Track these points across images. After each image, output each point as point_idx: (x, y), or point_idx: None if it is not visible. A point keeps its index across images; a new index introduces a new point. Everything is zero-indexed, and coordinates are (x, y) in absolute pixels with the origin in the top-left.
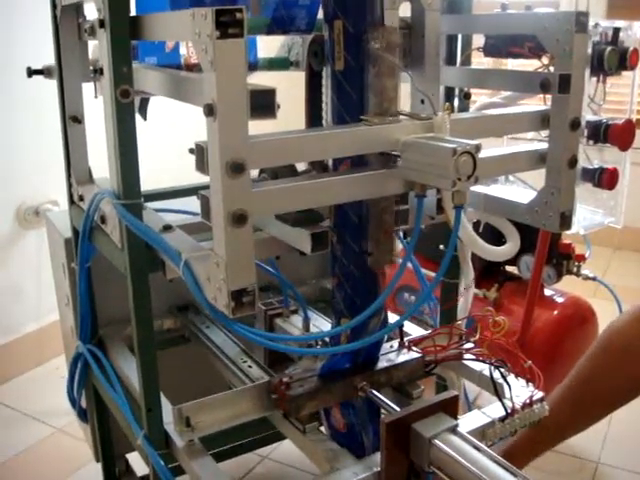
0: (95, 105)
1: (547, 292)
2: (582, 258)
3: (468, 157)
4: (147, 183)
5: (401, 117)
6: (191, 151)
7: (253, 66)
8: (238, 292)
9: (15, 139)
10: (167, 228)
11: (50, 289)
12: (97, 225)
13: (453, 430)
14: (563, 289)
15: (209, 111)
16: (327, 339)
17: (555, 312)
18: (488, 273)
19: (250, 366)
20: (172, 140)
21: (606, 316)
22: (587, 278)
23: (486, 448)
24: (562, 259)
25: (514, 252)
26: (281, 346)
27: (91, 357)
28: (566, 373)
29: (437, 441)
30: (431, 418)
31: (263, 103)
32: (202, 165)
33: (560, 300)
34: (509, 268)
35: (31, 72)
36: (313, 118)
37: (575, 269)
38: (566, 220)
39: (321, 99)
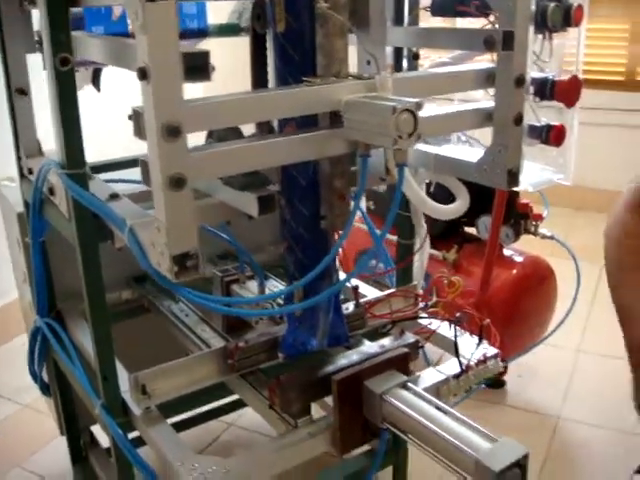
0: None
1: (506, 252)
2: (539, 217)
3: (409, 115)
4: (101, 154)
5: (344, 77)
6: (130, 117)
7: (203, 32)
8: (181, 256)
9: None
10: (114, 197)
11: (10, 266)
12: (47, 198)
13: (404, 386)
14: (523, 249)
15: (142, 75)
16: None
17: (514, 271)
18: (447, 235)
19: (208, 333)
20: (126, 111)
21: (565, 274)
22: (545, 237)
23: (437, 401)
24: (520, 218)
25: (463, 210)
26: (219, 307)
27: (49, 330)
28: (525, 331)
29: (388, 397)
30: (383, 375)
31: (197, 65)
32: (139, 130)
33: (519, 259)
34: (468, 230)
35: None
36: (259, 83)
37: (533, 228)
38: (514, 177)
39: (266, 63)
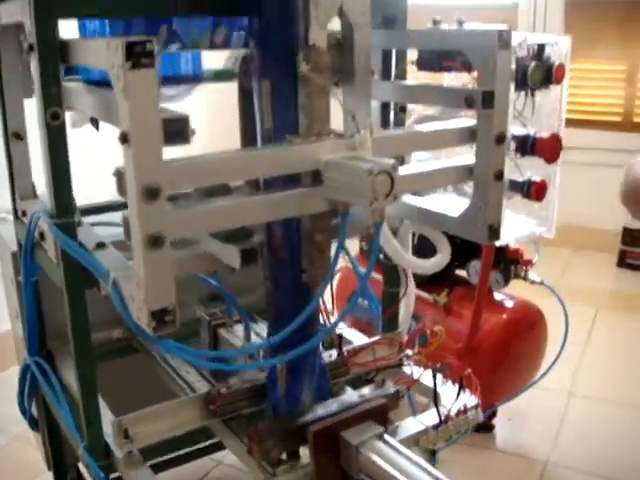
0: None
1: (497, 296)
2: (529, 263)
3: (385, 176)
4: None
5: (326, 136)
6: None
7: (198, 78)
8: (160, 312)
9: None
10: (100, 246)
11: (4, 299)
12: (38, 242)
13: (380, 437)
14: (517, 292)
15: (123, 139)
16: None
17: (504, 316)
18: (438, 278)
19: (192, 377)
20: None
21: (560, 316)
22: (534, 282)
23: (412, 454)
24: (510, 264)
25: (443, 264)
26: (201, 362)
27: (37, 370)
28: (515, 375)
29: (364, 448)
30: (359, 426)
31: (176, 130)
32: (122, 188)
33: (509, 304)
34: (460, 273)
35: None
36: (247, 136)
37: (523, 273)
38: (494, 232)
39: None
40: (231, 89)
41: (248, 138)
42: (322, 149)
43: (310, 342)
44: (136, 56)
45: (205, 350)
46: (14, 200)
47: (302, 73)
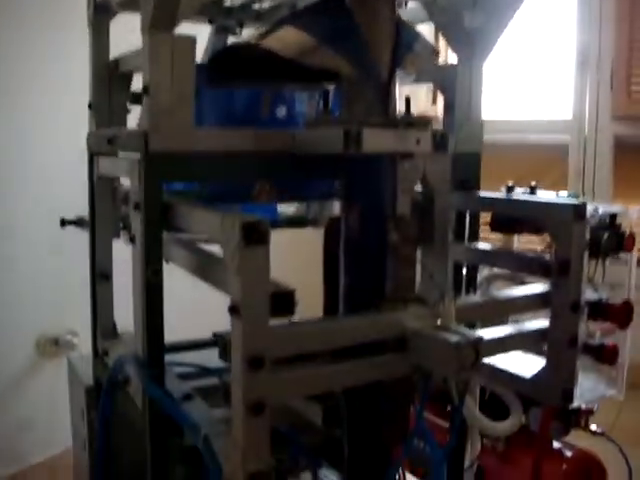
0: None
1: (555, 445)
2: (590, 412)
3: (471, 349)
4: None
5: (411, 303)
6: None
7: (273, 224)
8: (254, 474)
9: (34, 270)
10: (187, 397)
11: (62, 421)
12: (120, 383)
13: None
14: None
15: (233, 311)
16: None
17: (563, 466)
18: None
19: None
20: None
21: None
22: (595, 433)
23: None
24: (570, 413)
25: (516, 427)
26: None
27: None
28: None
29: None
30: None
31: (283, 303)
32: (225, 355)
33: (568, 454)
34: None
35: (64, 222)
36: (330, 299)
37: (583, 423)
38: (568, 395)
39: (338, 280)
40: None
41: (331, 302)
42: (407, 318)
43: None
44: (251, 235)
45: None
46: (95, 338)
47: (392, 241)
